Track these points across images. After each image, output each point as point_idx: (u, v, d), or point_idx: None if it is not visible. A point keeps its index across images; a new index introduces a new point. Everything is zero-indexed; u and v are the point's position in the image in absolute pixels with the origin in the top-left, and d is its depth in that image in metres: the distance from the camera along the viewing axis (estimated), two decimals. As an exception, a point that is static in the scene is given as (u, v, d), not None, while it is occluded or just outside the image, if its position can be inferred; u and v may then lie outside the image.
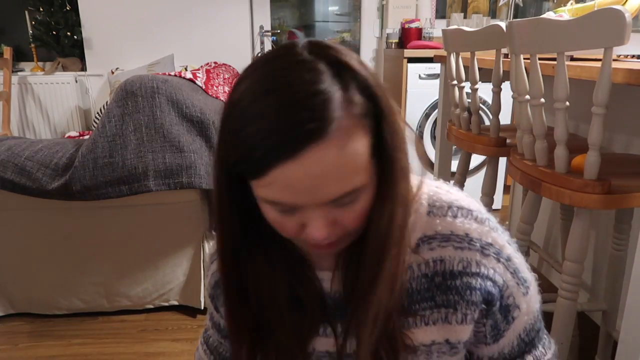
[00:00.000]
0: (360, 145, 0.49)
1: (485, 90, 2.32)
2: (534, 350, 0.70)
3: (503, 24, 1.40)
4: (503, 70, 1.54)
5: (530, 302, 0.67)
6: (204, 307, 1.90)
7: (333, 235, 0.54)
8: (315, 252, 0.60)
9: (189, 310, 1.94)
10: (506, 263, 0.63)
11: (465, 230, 0.61)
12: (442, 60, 2.06)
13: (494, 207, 1.92)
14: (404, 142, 0.54)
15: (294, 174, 0.47)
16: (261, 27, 3.41)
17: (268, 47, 3.46)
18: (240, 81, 0.51)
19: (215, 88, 2.19)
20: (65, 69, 3.36)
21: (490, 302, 0.63)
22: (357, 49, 3.58)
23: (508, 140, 1.61)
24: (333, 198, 0.49)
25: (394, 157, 0.53)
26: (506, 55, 1.51)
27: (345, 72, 0.48)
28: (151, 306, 1.92)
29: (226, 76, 2.61)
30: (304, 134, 0.45)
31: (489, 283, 0.62)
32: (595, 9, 1.04)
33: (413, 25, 3.14)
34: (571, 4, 1.66)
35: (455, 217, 0.62)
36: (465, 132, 1.69)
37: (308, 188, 0.48)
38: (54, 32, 3.26)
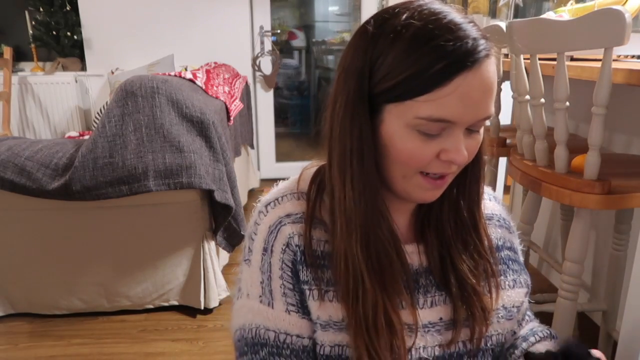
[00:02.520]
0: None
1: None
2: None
3: (503, 24, 1.40)
4: (503, 70, 1.54)
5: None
6: (204, 307, 1.90)
7: (464, 164, 0.59)
8: (422, 192, 0.60)
9: (189, 311, 1.93)
10: (517, 238, 0.77)
11: (499, 211, 0.75)
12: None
13: (494, 207, 1.91)
14: None
15: (474, 82, 0.53)
16: (261, 27, 3.40)
17: (268, 47, 3.45)
18: (390, 19, 0.56)
19: (215, 88, 2.19)
20: (65, 69, 3.36)
21: (510, 264, 0.73)
22: (357, 49, 3.57)
23: (508, 140, 1.61)
24: (485, 116, 0.56)
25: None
26: (506, 55, 1.51)
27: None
28: (151, 306, 1.92)
29: (226, 76, 2.61)
30: (484, 47, 0.53)
31: (516, 255, 0.74)
32: (595, 9, 1.04)
33: (413, 25, 3.14)
34: (571, 4, 1.66)
35: (490, 200, 0.76)
36: (465, 132, 1.68)
37: (477, 101, 0.54)
38: (54, 32, 3.25)
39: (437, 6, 0.56)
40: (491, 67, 0.55)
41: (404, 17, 0.55)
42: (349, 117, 0.57)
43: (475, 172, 0.66)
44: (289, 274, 0.63)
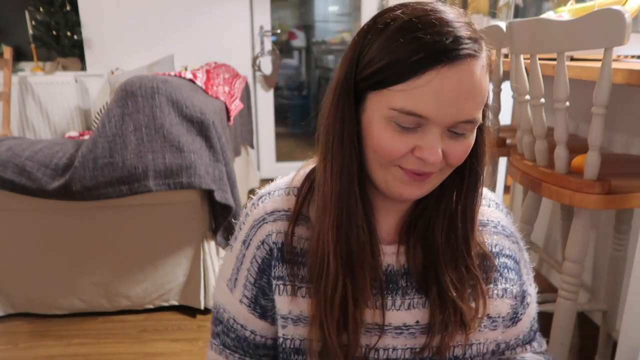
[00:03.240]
0: (487, 82, 0.56)
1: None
2: (537, 338, 0.77)
3: (503, 24, 1.40)
4: (503, 70, 1.54)
5: (534, 293, 0.75)
6: (204, 307, 1.90)
7: (434, 166, 0.57)
8: (402, 186, 0.59)
9: (189, 311, 1.93)
10: (524, 253, 0.74)
11: (497, 218, 0.72)
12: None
13: (494, 207, 1.91)
14: (488, 129, 0.64)
15: (449, 79, 0.52)
16: (261, 27, 3.40)
17: (268, 47, 3.45)
18: (385, 14, 0.57)
19: (215, 88, 2.19)
20: (65, 69, 3.36)
21: (513, 283, 0.71)
22: (357, 49, 3.57)
23: (508, 140, 1.61)
24: (464, 119, 0.54)
25: (486, 130, 0.62)
26: (506, 55, 1.51)
27: (480, 33, 0.57)
28: (151, 306, 1.92)
29: (226, 76, 2.61)
30: (469, 47, 0.53)
31: (516, 265, 0.71)
32: (595, 9, 1.04)
33: (413, 25, 3.14)
34: (571, 4, 1.66)
35: (489, 206, 0.72)
36: (465, 132, 1.69)
37: (453, 100, 0.53)
38: (54, 32, 3.25)
39: (434, 6, 0.56)
40: (475, 70, 0.53)
41: (397, 12, 0.56)
42: (335, 102, 0.60)
43: (471, 183, 0.64)
44: (256, 269, 0.68)
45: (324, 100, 0.62)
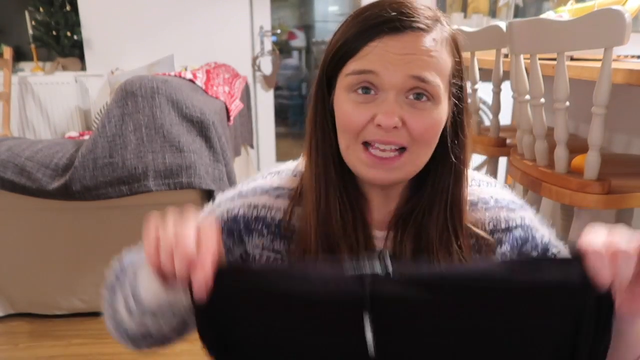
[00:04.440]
0: (446, 58, 0.60)
1: (485, 90, 2.32)
2: None
3: (503, 24, 1.40)
4: (503, 70, 1.54)
5: (560, 245, 0.72)
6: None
7: (397, 136, 0.59)
8: (368, 170, 0.61)
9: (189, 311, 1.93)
10: (533, 216, 0.71)
11: (489, 193, 0.70)
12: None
13: (494, 207, 1.91)
14: (469, 115, 0.66)
15: (392, 46, 0.57)
16: (261, 27, 3.40)
17: (268, 47, 3.45)
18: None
19: (215, 88, 2.19)
20: (65, 69, 3.36)
21: (524, 244, 0.69)
22: (357, 49, 3.58)
23: (508, 140, 1.61)
24: (414, 73, 0.57)
25: (465, 110, 0.64)
26: (506, 55, 1.51)
27: (445, 21, 0.62)
28: (151, 306, 1.92)
29: (226, 76, 2.61)
30: (412, 21, 0.57)
31: (518, 232, 0.69)
32: (595, 9, 1.05)
33: (413, 25, 3.13)
34: (571, 4, 1.66)
35: (479, 186, 0.72)
36: (465, 132, 1.68)
37: (398, 60, 0.57)
38: (54, 32, 3.25)
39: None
40: (421, 40, 0.58)
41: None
42: (314, 91, 0.65)
43: (457, 169, 0.65)
44: (232, 216, 0.69)
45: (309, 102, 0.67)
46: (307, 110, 0.67)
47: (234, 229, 0.69)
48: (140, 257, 0.62)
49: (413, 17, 0.58)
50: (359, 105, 0.60)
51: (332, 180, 0.64)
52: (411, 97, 0.59)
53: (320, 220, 0.64)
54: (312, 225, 0.64)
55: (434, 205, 0.65)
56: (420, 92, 0.59)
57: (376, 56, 0.57)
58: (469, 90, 1.64)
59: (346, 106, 0.60)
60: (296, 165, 0.73)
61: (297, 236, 0.67)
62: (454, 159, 0.64)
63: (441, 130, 0.62)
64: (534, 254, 0.69)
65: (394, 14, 0.58)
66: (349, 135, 0.61)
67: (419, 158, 0.62)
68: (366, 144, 0.61)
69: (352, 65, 0.59)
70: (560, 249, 0.71)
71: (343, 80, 0.61)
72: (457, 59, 0.62)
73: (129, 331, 0.66)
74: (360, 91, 0.59)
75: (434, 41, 0.58)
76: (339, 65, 0.61)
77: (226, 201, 0.72)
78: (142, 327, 0.64)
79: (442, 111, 0.61)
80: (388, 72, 0.57)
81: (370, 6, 0.61)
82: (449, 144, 0.64)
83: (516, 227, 0.69)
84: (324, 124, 0.64)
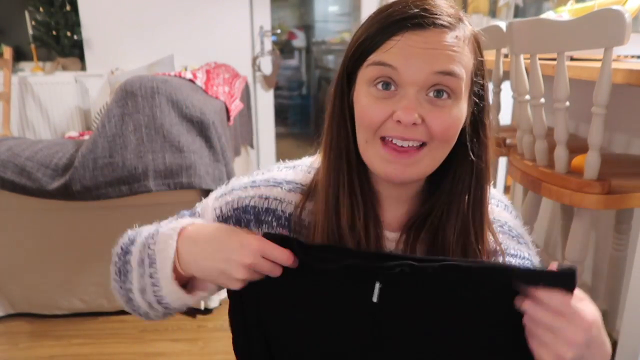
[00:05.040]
0: (468, 56, 0.60)
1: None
2: None
3: (503, 24, 1.40)
4: (503, 70, 1.54)
5: None
6: (204, 307, 1.90)
7: (416, 133, 0.59)
8: (387, 165, 0.61)
9: (189, 311, 1.93)
10: (535, 256, 0.73)
11: (504, 218, 0.72)
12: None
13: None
14: (490, 115, 0.65)
15: (414, 41, 0.57)
16: (261, 27, 3.40)
17: (268, 47, 3.45)
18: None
19: (215, 88, 2.19)
20: (65, 69, 3.36)
21: None
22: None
23: (508, 140, 1.61)
24: (436, 70, 0.57)
25: (485, 109, 0.64)
26: (506, 55, 1.51)
27: (467, 20, 0.62)
28: (151, 306, 1.92)
29: (226, 76, 2.61)
30: (435, 18, 0.57)
31: (525, 262, 0.69)
32: (595, 9, 1.05)
33: (413, 25, 3.13)
34: (571, 4, 1.66)
35: (497, 206, 0.73)
36: (465, 132, 1.69)
37: (421, 56, 0.57)
38: (54, 32, 3.25)
39: None
40: (443, 37, 0.57)
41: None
42: (334, 87, 0.65)
43: (478, 180, 0.64)
44: (241, 208, 0.70)
45: (328, 99, 0.67)
46: (325, 107, 0.67)
47: (243, 219, 0.70)
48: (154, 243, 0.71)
49: (436, 14, 0.58)
50: (378, 100, 0.59)
51: (344, 176, 0.64)
52: (431, 94, 0.58)
53: (329, 215, 0.63)
54: (320, 220, 0.64)
55: (452, 207, 0.64)
56: (441, 89, 0.58)
57: (398, 50, 0.57)
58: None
59: (365, 100, 0.60)
60: (312, 161, 0.73)
61: (306, 231, 0.67)
62: (474, 158, 0.63)
63: (460, 128, 0.61)
64: None
65: (416, 10, 0.58)
66: (367, 130, 0.61)
67: (438, 154, 0.61)
68: (384, 139, 0.60)
69: (373, 57, 0.59)
70: None
71: (363, 73, 0.61)
72: (479, 58, 0.62)
73: (140, 309, 0.74)
74: (380, 86, 0.59)
75: (457, 38, 0.58)
76: (360, 60, 0.61)
77: (240, 189, 0.72)
78: (157, 311, 0.72)
79: (462, 109, 0.60)
80: (409, 67, 0.57)
81: (393, 3, 0.60)
82: (468, 143, 0.63)
83: (522, 258, 0.70)
84: (342, 120, 0.64)
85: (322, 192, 0.65)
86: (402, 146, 0.59)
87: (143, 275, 0.70)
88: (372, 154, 0.61)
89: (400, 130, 0.58)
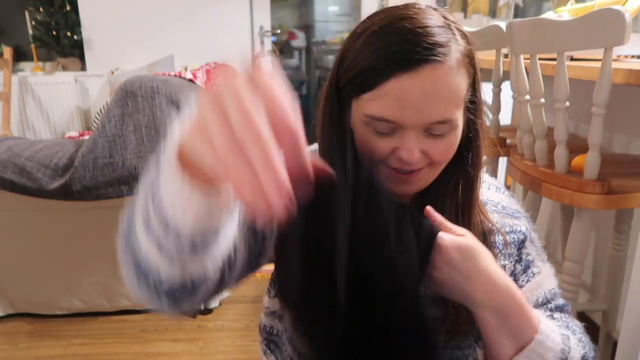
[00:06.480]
0: (463, 82, 0.58)
1: (485, 90, 2.32)
2: (557, 309, 0.73)
3: (503, 24, 1.40)
4: (503, 70, 1.54)
5: (546, 269, 0.74)
6: (204, 307, 1.90)
7: (418, 163, 0.59)
8: (392, 185, 0.61)
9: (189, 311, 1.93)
10: (532, 232, 0.75)
11: (498, 199, 0.74)
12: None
13: (494, 207, 1.91)
14: (482, 114, 0.65)
15: (409, 87, 0.54)
16: (261, 27, 3.40)
17: (268, 47, 3.45)
18: (366, 19, 0.60)
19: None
20: (65, 69, 3.36)
21: (521, 247, 0.72)
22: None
23: (508, 140, 1.61)
24: (434, 120, 0.56)
25: (479, 117, 0.63)
26: (506, 55, 1.51)
27: (456, 27, 0.59)
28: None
29: (226, 76, 2.60)
30: (428, 54, 0.54)
31: (520, 235, 0.72)
32: (595, 9, 1.04)
33: (413, 25, 3.13)
34: (571, 4, 1.66)
35: (489, 189, 0.75)
36: (465, 132, 1.68)
37: (417, 105, 0.55)
38: (54, 33, 3.25)
39: (414, 11, 0.57)
40: (438, 75, 0.55)
41: (377, 17, 0.58)
42: (324, 109, 0.63)
43: (471, 175, 0.65)
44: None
45: (318, 105, 0.65)
46: (314, 116, 0.66)
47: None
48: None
49: (429, 45, 0.54)
50: (378, 137, 0.59)
51: None
52: (431, 130, 0.58)
53: None
54: None
55: (447, 198, 0.66)
56: (442, 130, 0.59)
57: (395, 102, 0.55)
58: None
59: (366, 138, 0.59)
60: None
61: None
62: (467, 153, 0.64)
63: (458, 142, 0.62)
64: (518, 267, 0.72)
65: (409, 47, 0.54)
66: (369, 158, 0.61)
67: (439, 169, 0.63)
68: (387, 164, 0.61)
69: (371, 107, 0.57)
70: (540, 269, 0.73)
71: (360, 115, 0.58)
72: (472, 73, 0.61)
73: (150, 261, 0.45)
74: (379, 130, 0.58)
75: (451, 69, 0.56)
76: (354, 93, 0.59)
77: None
78: (168, 244, 0.42)
79: (460, 128, 0.61)
80: (406, 119, 0.56)
81: (386, 29, 0.56)
82: (463, 141, 0.63)
83: (519, 232, 0.72)
84: (336, 139, 0.62)
85: None
86: (404, 173, 0.60)
87: (146, 195, 0.43)
88: (380, 176, 0.61)
89: (401, 164, 0.59)
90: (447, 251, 0.57)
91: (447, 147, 0.60)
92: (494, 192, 0.76)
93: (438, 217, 0.61)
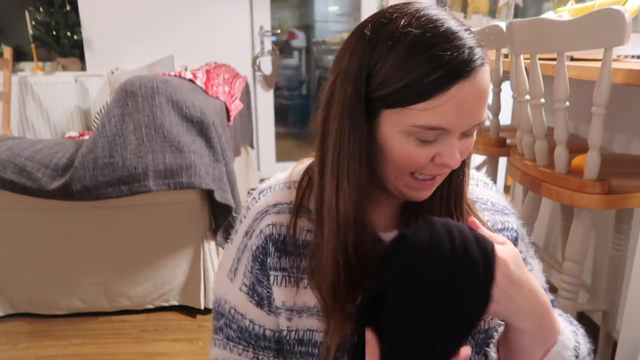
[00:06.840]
0: None
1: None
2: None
3: (503, 24, 1.40)
4: (503, 70, 1.54)
5: (536, 265, 0.75)
6: (204, 307, 1.90)
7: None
8: (411, 192, 0.61)
9: (189, 311, 1.93)
10: (520, 223, 0.75)
11: (487, 195, 0.74)
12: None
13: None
14: None
15: (470, 91, 0.54)
16: (261, 27, 3.40)
17: (268, 47, 3.45)
18: (388, 26, 0.56)
19: (215, 88, 2.19)
20: (65, 69, 3.36)
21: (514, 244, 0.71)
22: (357, 49, 3.57)
23: (508, 140, 1.61)
24: (479, 122, 0.57)
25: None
26: (506, 55, 1.51)
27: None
28: (151, 306, 1.92)
29: (226, 76, 2.61)
30: (480, 57, 0.54)
31: (513, 233, 0.72)
32: (595, 9, 1.04)
33: (413, 25, 3.13)
34: (571, 4, 1.66)
35: (477, 185, 0.74)
36: (465, 132, 1.68)
37: (472, 109, 0.55)
38: (54, 32, 3.25)
39: (434, 12, 0.56)
40: (486, 75, 0.56)
41: (401, 23, 0.55)
42: (346, 121, 0.58)
43: (460, 169, 0.66)
44: (252, 257, 0.68)
45: (321, 111, 0.61)
46: (315, 124, 0.62)
47: (265, 263, 0.68)
48: None
49: (476, 50, 0.54)
50: (419, 147, 0.57)
51: (362, 214, 0.61)
52: (466, 133, 0.59)
53: (341, 245, 0.60)
54: (330, 251, 0.61)
55: (435, 196, 0.65)
56: (474, 129, 0.60)
57: (453, 109, 0.54)
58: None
59: (405, 148, 0.57)
60: (287, 176, 0.72)
61: (302, 249, 0.66)
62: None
63: None
64: None
65: (465, 52, 0.53)
66: (401, 170, 0.59)
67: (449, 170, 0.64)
68: (414, 173, 0.60)
69: (424, 117, 0.54)
70: (533, 266, 0.74)
71: (403, 125, 0.55)
72: None
73: None
74: (424, 139, 0.57)
75: (488, 72, 0.57)
76: (398, 104, 0.55)
77: (241, 251, 0.70)
78: None
79: None
80: (459, 125, 0.56)
81: (430, 36, 0.53)
82: None
83: (511, 229, 0.73)
84: (364, 159, 0.59)
85: (331, 222, 0.60)
86: (428, 180, 0.61)
87: None
88: (402, 186, 0.61)
89: (438, 170, 0.60)
90: (506, 265, 0.53)
91: (470, 145, 0.61)
92: (482, 188, 0.75)
93: (481, 227, 0.58)
